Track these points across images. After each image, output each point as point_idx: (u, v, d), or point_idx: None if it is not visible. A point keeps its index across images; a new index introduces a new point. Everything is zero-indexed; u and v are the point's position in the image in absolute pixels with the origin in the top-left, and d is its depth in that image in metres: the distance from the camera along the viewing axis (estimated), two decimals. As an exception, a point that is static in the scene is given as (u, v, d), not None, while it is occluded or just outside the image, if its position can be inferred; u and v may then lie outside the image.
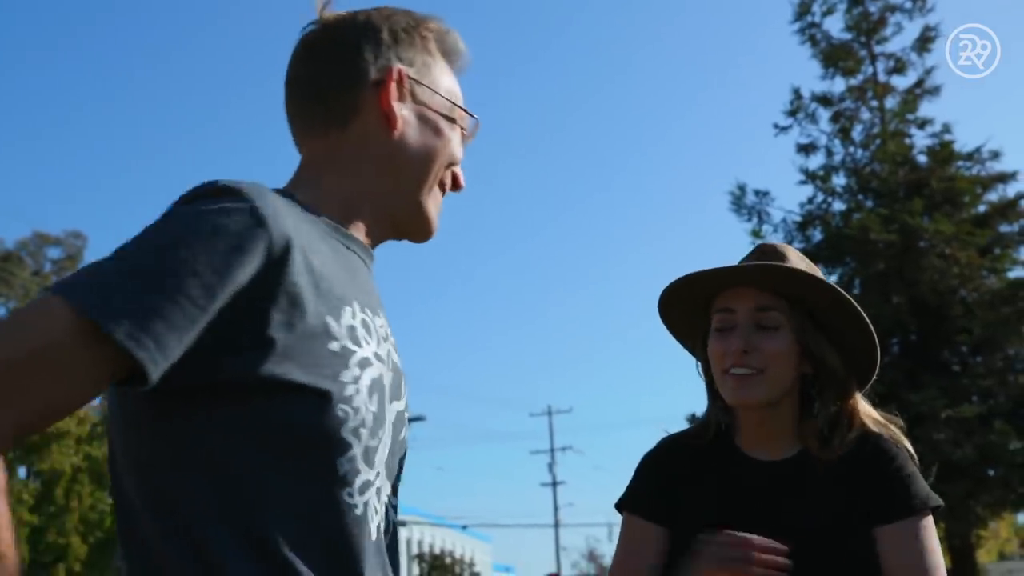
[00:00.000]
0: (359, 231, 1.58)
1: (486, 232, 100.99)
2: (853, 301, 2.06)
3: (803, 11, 17.62)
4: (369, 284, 1.57)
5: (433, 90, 1.60)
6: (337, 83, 1.55)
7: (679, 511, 2.08)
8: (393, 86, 1.54)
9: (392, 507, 1.54)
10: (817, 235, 16.80)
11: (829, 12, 17.70)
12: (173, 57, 72.79)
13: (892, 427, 2.09)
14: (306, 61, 1.58)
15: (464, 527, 49.21)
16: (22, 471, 27.18)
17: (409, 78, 1.56)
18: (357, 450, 1.39)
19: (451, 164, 1.62)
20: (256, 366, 1.31)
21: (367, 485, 1.41)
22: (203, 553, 1.30)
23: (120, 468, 1.40)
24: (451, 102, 1.62)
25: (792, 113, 17.47)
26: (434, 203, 1.62)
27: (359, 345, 1.43)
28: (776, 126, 17.63)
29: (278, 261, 1.33)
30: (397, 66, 1.55)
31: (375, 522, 1.43)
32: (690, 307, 2.18)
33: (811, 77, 33.53)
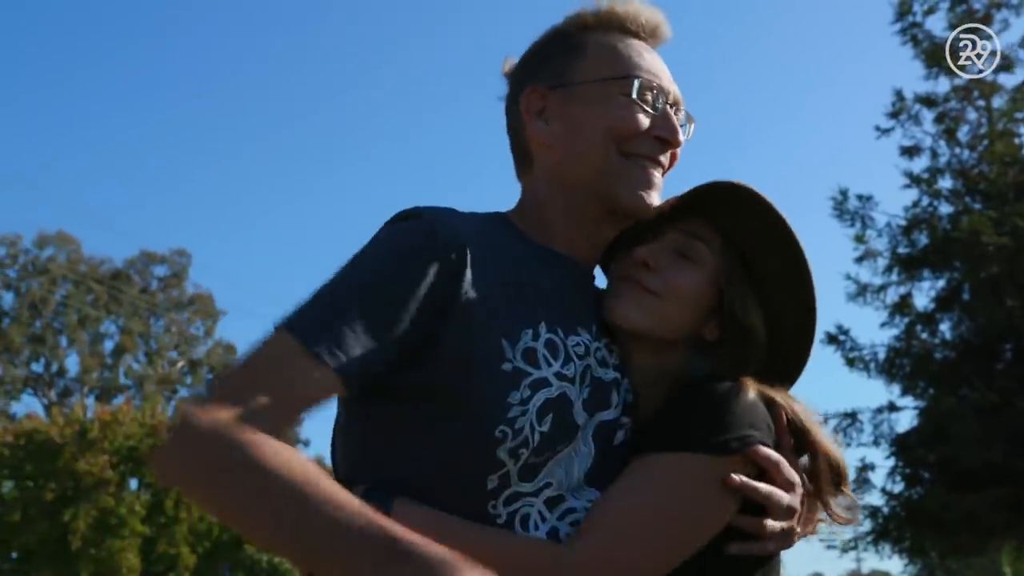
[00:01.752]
0: (571, 245, 1.64)
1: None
2: (807, 258, 1.66)
3: (904, 11, 17.13)
4: (571, 300, 1.60)
5: (573, 84, 1.63)
6: (512, 133, 1.71)
7: None
8: (530, 115, 1.65)
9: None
10: (923, 239, 16.31)
11: (931, 11, 17.17)
12: (277, 79, 74.54)
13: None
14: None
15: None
16: (134, 483, 27.95)
17: (543, 93, 1.65)
18: (512, 468, 1.45)
19: (621, 136, 1.61)
20: (431, 377, 1.44)
21: (517, 497, 1.46)
22: None
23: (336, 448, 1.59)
24: (602, 79, 1.62)
25: (894, 115, 17.01)
26: (626, 178, 1.61)
27: (536, 367, 1.48)
28: (878, 128, 17.17)
29: (454, 275, 1.45)
30: (527, 92, 1.66)
31: (536, 532, 1.47)
32: None
33: (913, 78, 32.77)
